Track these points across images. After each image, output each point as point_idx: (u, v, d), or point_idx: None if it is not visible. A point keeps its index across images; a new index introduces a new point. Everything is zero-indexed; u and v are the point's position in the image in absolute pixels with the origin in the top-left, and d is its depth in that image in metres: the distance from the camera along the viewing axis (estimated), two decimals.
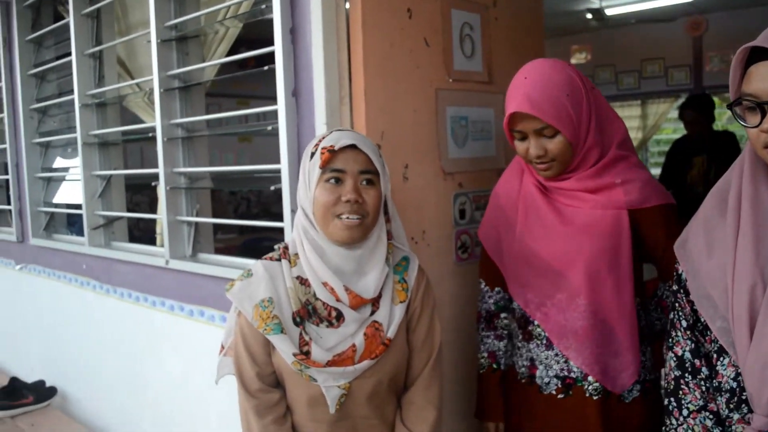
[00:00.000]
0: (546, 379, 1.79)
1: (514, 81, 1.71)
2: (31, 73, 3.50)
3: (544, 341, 1.78)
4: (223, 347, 1.75)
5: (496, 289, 1.92)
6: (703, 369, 1.31)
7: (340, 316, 1.55)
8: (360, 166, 1.53)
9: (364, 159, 1.54)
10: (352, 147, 1.54)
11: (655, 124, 7.94)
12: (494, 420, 1.93)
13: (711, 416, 1.30)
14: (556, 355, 1.76)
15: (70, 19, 2.99)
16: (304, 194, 1.58)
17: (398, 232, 1.71)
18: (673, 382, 1.37)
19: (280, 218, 2.10)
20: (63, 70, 3.37)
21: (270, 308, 1.54)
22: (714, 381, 1.26)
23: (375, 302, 1.58)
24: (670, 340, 1.38)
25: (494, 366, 1.91)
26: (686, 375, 1.33)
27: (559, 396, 1.77)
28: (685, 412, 1.34)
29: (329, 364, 1.52)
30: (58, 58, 3.39)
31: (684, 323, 1.33)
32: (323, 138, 1.57)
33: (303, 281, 1.57)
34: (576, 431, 1.76)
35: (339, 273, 1.54)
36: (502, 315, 1.91)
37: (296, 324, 1.54)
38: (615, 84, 7.77)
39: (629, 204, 1.69)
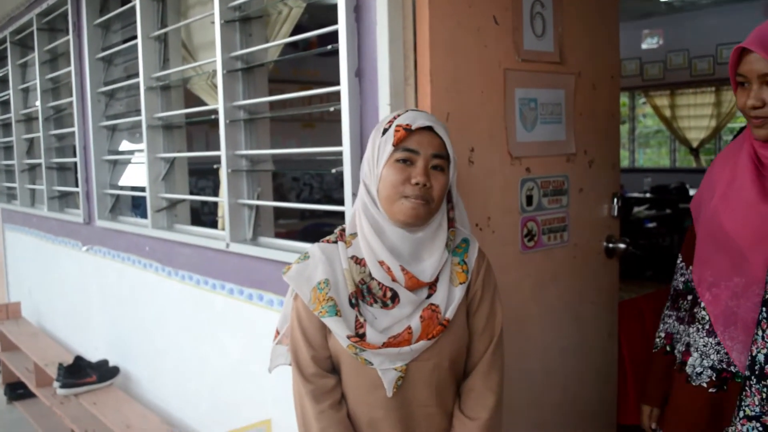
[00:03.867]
0: (699, 369, 1.62)
1: (753, 31, 1.51)
2: (98, 57, 3.55)
3: (707, 326, 1.60)
4: (278, 333, 1.72)
5: (690, 267, 1.71)
6: None
7: (395, 297, 1.50)
8: (433, 150, 1.49)
9: (439, 143, 1.50)
10: (428, 129, 1.49)
11: (729, 112, 7.63)
12: (651, 404, 1.80)
13: (761, 428, 1.25)
14: (718, 344, 1.58)
15: (137, 2, 3.01)
16: (369, 170, 1.54)
17: (462, 220, 1.65)
18: (744, 382, 1.31)
19: (342, 203, 2.05)
20: (129, 53, 3.41)
21: (326, 290, 1.51)
22: None
23: (432, 285, 1.53)
24: None
25: (668, 348, 1.76)
26: (752, 377, 1.29)
27: (711, 390, 1.58)
28: (741, 414, 1.30)
29: (384, 345, 1.48)
30: (124, 42, 3.42)
31: None
32: (398, 115, 1.53)
33: (358, 261, 1.53)
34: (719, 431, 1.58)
35: (396, 253, 1.50)
36: (689, 297, 1.72)
37: (352, 306, 1.50)
38: (688, 70, 7.49)
39: None
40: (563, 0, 2.20)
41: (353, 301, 1.50)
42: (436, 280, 1.53)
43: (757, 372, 1.26)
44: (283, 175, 6.26)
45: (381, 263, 1.50)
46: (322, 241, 1.60)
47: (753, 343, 1.27)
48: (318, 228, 5.45)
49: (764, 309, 1.27)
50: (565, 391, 2.31)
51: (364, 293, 1.51)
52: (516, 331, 2.06)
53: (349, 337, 1.47)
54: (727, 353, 1.55)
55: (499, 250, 2.02)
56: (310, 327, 1.55)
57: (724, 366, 1.56)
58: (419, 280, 1.50)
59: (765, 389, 1.24)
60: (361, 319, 1.49)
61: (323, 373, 1.56)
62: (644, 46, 7.59)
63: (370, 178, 1.53)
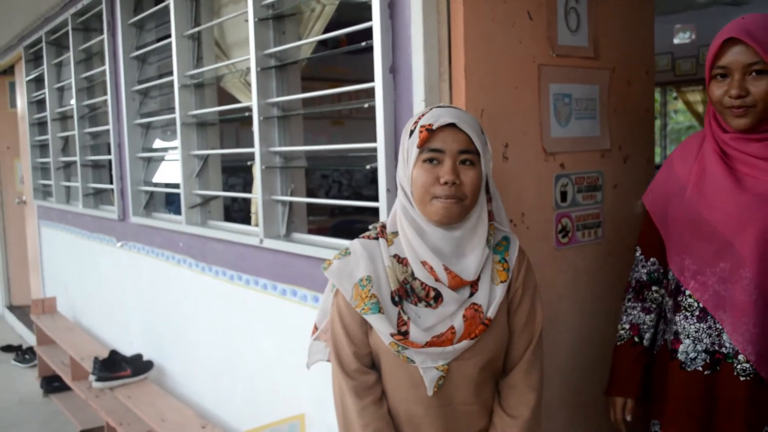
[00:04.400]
0: (692, 354, 1.69)
1: (730, 23, 1.62)
2: (133, 56, 3.60)
3: (696, 312, 1.68)
4: (316, 328, 1.72)
5: (651, 259, 1.84)
6: None
7: (438, 297, 1.50)
8: (459, 146, 1.47)
9: (464, 138, 1.48)
10: (451, 126, 1.48)
11: None
12: (623, 395, 1.85)
13: None
14: (709, 328, 1.66)
15: (171, 1, 3.04)
16: (402, 173, 1.54)
17: (499, 213, 1.64)
18: None
19: (373, 200, 2.06)
20: (163, 52, 3.45)
21: (369, 287, 1.50)
22: None
23: (474, 284, 1.52)
24: None
25: (635, 339, 1.84)
26: None
27: (706, 372, 1.66)
28: None
29: (427, 345, 1.47)
30: (158, 41, 3.47)
31: None
32: (423, 115, 1.52)
33: (401, 260, 1.53)
34: (717, 413, 1.66)
35: (438, 253, 1.50)
36: (654, 288, 1.84)
37: (395, 303, 1.50)
38: None
39: None
40: None
41: (396, 298, 1.50)
42: (478, 278, 1.52)
43: None
44: (314, 171, 6.29)
45: (424, 263, 1.50)
46: (362, 237, 1.60)
47: None
48: (348, 225, 5.47)
49: None
50: (599, 387, 2.29)
51: (408, 292, 1.51)
52: (550, 327, 2.04)
53: (392, 335, 1.47)
54: (718, 336, 1.64)
55: (533, 246, 2.01)
56: (352, 323, 1.55)
57: (716, 348, 1.65)
58: (462, 279, 1.49)
59: None
60: (405, 317, 1.49)
61: (364, 369, 1.57)
62: (676, 41, 7.48)
63: (404, 180, 1.53)
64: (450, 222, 1.49)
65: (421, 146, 1.47)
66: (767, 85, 1.55)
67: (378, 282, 1.52)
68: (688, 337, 1.69)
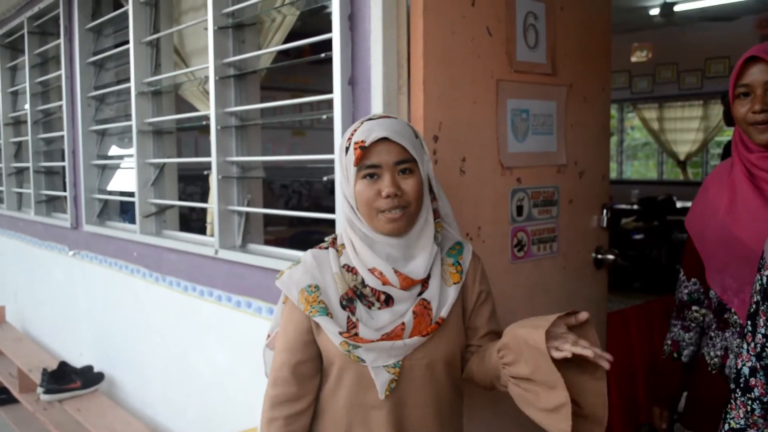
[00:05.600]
0: (734, 370, 1.71)
1: (754, 46, 1.66)
2: (89, 62, 3.54)
3: (739, 329, 1.72)
4: (269, 336, 1.72)
5: (693, 279, 1.89)
6: (756, 389, 1.26)
7: (389, 299, 1.51)
8: (395, 158, 1.48)
9: (399, 149, 1.48)
10: (385, 139, 1.48)
11: (717, 126, 7.69)
12: (660, 405, 1.94)
13: None
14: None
15: (129, 7, 3.00)
16: (346, 188, 1.55)
17: (446, 211, 1.66)
18: (730, 394, 1.32)
19: (331, 211, 2.05)
20: (121, 58, 3.40)
21: (316, 294, 1.51)
22: None
23: (424, 282, 1.54)
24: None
25: (674, 355, 1.91)
26: (737, 390, 1.30)
27: None
28: (726, 427, 1.31)
29: (378, 340, 1.48)
30: (116, 47, 3.41)
31: (758, 334, 1.25)
32: (355, 130, 1.52)
33: (350, 269, 1.54)
34: None
35: (390, 259, 1.51)
36: (694, 307, 1.89)
37: (343, 307, 1.51)
38: (676, 83, 7.55)
39: None
40: (556, 13, 2.22)
41: (344, 303, 1.51)
42: (429, 276, 1.54)
43: (742, 385, 1.27)
44: (272, 182, 6.25)
45: (372, 271, 1.51)
46: (315, 248, 1.61)
47: (738, 356, 1.29)
48: (307, 236, 5.43)
49: (749, 322, 1.28)
50: None
51: (359, 297, 1.52)
52: None
53: (341, 334, 1.47)
54: None
55: (489, 259, 2.01)
56: (292, 331, 1.55)
57: None
58: (413, 279, 1.51)
59: (749, 402, 1.25)
60: (354, 319, 1.50)
61: (291, 380, 1.55)
62: (633, 59, 7.64)
63: (348, 195, 1.54)
64: (399, 233, 1.51)
65: (358, 164, 1.48)
66: None
67: (326, 290, 1.52)
68: (733, 353, 1.73)
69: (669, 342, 1.94)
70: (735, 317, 1.73)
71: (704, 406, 1.80)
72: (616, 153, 9.17)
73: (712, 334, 1.81)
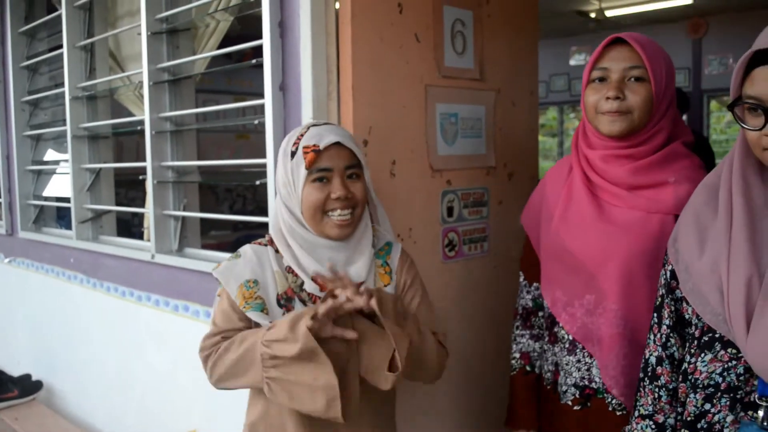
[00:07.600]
0: (564, 387, 1.63)
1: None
2: (23, 66, 3.48)
3: (567, 345, 1.62)
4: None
5: (535, 284, 1.75)
6: (662, 377, 1.32)
7: None
8: (345, 162, 1.53)
9: (348, 154, 1.54)
10: (336, 144, 1.52)
11: None
12: (524, 428, 1.75)
13: (653, 426, 1.33)
14: (578, 361, 1.60)
15: (63, 11, 2.97)
16: (288, 194, 1.56)
17: (382, 217, 1.71)
18: (639, 383, 1.38)
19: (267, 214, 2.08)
20: (55, 62, 3.35)
21: (255, 289, 1.53)
22: (691, 378, 1.25)
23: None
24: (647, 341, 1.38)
25: (527, 368, 1.76)
26: (645, 379, 1.35)
27: (575, 407, 1.61)
28: (636, 414, 1.37)
29: None
30: (50, 51, 3.37)
31: (663, 325, 1.32)
32: (302, 135, 1.55)
33: (291, 270, 1.56)
34: None
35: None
36: (540, 313, 1.75)
37: (280, 306, 1.54)
38: None
39: (677, 208, 1.44)
40: (483, 20, 2.29)
41: (282, 302, 1.54)
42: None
43: (649, 373, 1.34)
44: (213, 186, 6.22)
45: (315, 279, 1.53)
46: (254, 243, 1.63)
47: (646, 346, 1.36)
48: (251, 239, 5.39)
49: (655, 315, 1.35)
50: (487, 395, 2.37)
51: (297, 296, 1.55)
52: None
53: None
54: (588, 370, 1.59)
55: (420, 259, 2.06)
56: (224, 324, 1.56)
57: (586, 383, 1.59)
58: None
59: (656, 389, 1.32)
60: None
61: (219, 340, 1.56)
62: (572, 62, 7.84)
63: (291, 200, 1.56)
64: (345, 238, 1.55)
65: (309, 167, 1.51)
66: (643, 92, 1.51)
67: (265, 287, 1.54)
68: (563, 369, 1.64)
69: (517, 355, 1.77)
70: (563, 332, 1.63)
71: (553, 426, 1.69)
72: (557, 153, 9.37)
73: (546, 347, 1.71)
